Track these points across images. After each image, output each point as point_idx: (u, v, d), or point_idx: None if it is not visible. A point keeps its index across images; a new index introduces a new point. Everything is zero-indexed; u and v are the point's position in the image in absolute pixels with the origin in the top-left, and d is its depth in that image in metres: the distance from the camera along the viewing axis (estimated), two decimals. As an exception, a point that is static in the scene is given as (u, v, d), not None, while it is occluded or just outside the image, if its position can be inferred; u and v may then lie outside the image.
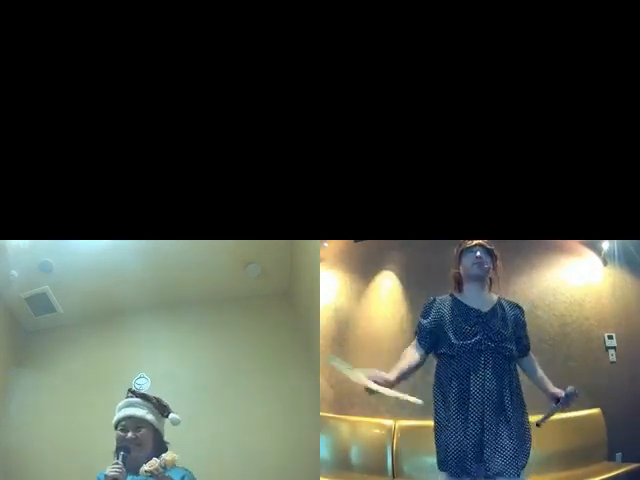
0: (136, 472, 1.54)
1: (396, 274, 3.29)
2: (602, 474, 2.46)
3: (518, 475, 1.54)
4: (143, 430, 1.64)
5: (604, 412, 2.77)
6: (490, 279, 1.73)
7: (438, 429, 1.65)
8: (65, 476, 2.53)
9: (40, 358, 2.92)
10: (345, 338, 3.30)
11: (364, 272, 3.39)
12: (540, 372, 1.74)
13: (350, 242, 3.37)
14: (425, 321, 1.72)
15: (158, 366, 2.76)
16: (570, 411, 2.74)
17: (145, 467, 1.53)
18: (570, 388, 1.63)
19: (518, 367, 1.69)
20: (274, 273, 2.95)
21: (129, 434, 1.62)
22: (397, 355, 2.97)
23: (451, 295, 1.74)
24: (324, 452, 2.86)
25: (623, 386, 2.84)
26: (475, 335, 1.62)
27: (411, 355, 1.69)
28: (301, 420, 2.49)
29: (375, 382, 1.60)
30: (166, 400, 1.82)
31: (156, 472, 1.51)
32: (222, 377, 2.76)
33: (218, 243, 2.56)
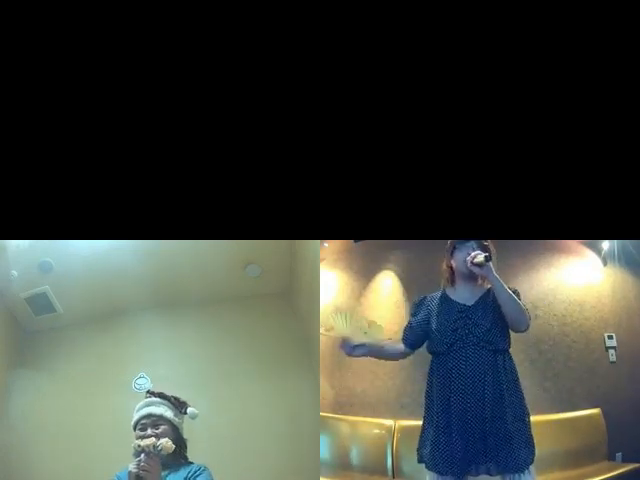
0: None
1: (396, 274, 3.29)
2: (602, 474, 2.46)
3: (522, 472, 1.52)
4: (162, 427, 1.63)
5: (604, 412, 2.77)
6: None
7: (424, 428, 1.67)
8: (65, 476, 2.53)
9: (40, 358, 2.91)
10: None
11: (364, 272, 3.39)
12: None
13: (350, 242, 3.37)
14: (412, 319, 1.75)
15: (158, 366, 2.77)
16: (570, 411, 2.76)
17: (139, 442, 1.51)
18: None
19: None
20: (274, 273, 2.95)
21: (148, 431, 1.60)
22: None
23: (442, 291, 1.73)
24: (324, 452, 2.86)
25: (623, 386, 2.84)
26: (455, 330, 1.61)
27: (396, 344, 1.77)
28: (301, 420, 2.49)
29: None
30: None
31: (147, 449, 1.49)
32: (222, 377, 2.76)
33: (218, 243, 2.56)
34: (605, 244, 3.03)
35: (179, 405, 1.73)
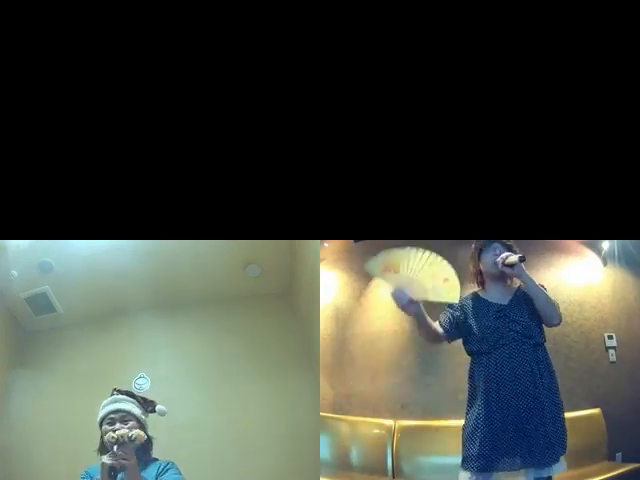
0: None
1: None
2: (602, 474, 2.45)
3: (556, 462, 1.55)
4: (130, 423, 1.66)
5: (604, 412, 2.77)
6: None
7: (467, 427, 1.66)
8: (65, 476, 2.53)
9: (40, 358, 2.91)
10: (345, 338, 3.30)
11: (364, 272, 3.37)
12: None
13: (350, 242, 3.36)
14: (449, 310, 1.74)
15: (158, 366, 2.77)
16: (570, 411, 2.76)
17: (112, 433, 1.57)
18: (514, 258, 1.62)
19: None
20: (274, 273, 2.95)
21: (117, 425, 1.64)
22: (397, 354, 2.98)
23: (473, 293, 1.76)
24: (324, 452, 2.85)
25: (623, 386, 2.84)
26: (497, 329, 1.64)
27: (438, 326, 1.72)
28: (301, 420, 2.49)
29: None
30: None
31: (120, 439, 1.53)
32: (222, 377, 2.76)
33: (218, 243, 2.56)
34: (605, 244, 3.03)
35: (146, 404, 1.77)
